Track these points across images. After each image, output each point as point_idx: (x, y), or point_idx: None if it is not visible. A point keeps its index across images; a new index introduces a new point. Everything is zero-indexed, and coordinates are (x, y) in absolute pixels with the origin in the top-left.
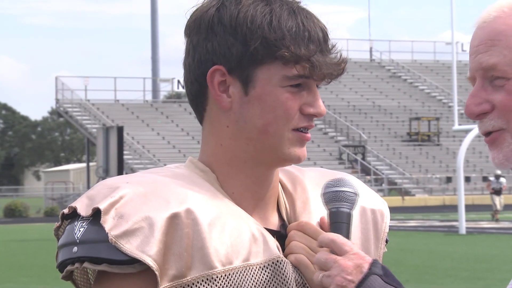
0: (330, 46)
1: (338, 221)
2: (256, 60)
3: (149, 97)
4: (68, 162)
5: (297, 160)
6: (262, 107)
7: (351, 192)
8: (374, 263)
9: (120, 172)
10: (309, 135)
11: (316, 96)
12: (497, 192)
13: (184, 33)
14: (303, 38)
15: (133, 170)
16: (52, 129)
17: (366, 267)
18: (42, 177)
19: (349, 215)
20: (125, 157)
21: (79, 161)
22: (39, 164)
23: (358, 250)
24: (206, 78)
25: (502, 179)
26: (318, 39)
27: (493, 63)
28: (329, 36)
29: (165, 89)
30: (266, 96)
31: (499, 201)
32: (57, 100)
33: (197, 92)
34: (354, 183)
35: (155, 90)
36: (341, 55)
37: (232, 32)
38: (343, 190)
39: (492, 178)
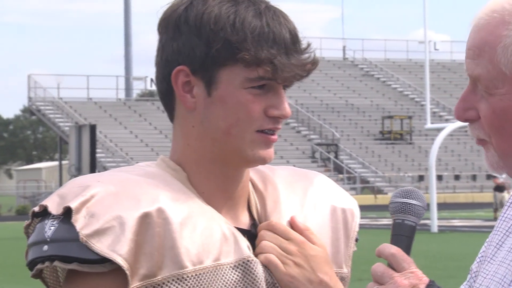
0: (299, 47)
1: (401, 234)
2: (218, 62)
3: (122, 95)
4: (40, 160)
5: (262, 162)
6: (224, 109)
7: (420, 207)
8: (430, 285)
9: (92, 170)
10: (275, 136)
11: (281, 98)
12: (499, 188)
13: (157, 31)
14: (266, 39)
15: (105, 169)
16: (24, 127)
17: None
18: (14, 176)
19: (413, 229)
20: (97, 155)
21: (52, 159)
22: (11, 163)
23: (416, 269)
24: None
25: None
26: (284, 40)
27: (478, 74)
28: (298, 37)
29: (138, 87)
30: (228, 97)
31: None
32: (30, 98)
33: (165, 91)
34: (420, 195)
35: (128, 88)
36: (313, 55)
37: (196, 32)
38: (411, 203)
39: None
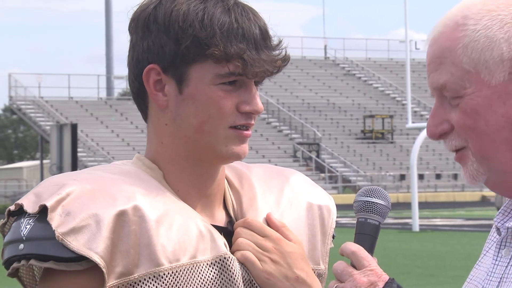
0: (270, 43)
1: (364, 233)
2: (188, 59)
3: (103, 94)
4: (21, 159)
5: (236, 158)
6: (196, 106)
7: (383, 205)
8: (389, 282)
9: (74, 169)
10: (249, 132)
11: (252, 94)
12: None
13: (128, 31)
14: (236, 35)
15: (87, 168)
16: (5, 126)
17: (380, 286)
18: None
19: (376, 228)
20: (79, 154)
21: (33, 158)
22: None
23: (376, 267)
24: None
25: None
26: (254, 36)
27: (443, 83)
28: (269, 33)
29: (119, 86)
30: (199, 94)
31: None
32: (10, 97)
33: (137, 91)
34: (384, 194)
35: (109, 88)
36: (285, 52)
37: (165, 30)
38: (374, 202)
39: None
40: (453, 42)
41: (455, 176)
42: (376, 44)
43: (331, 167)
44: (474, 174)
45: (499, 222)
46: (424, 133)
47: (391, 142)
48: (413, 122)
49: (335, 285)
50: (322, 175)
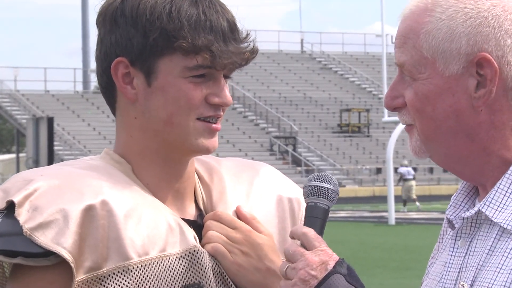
0: (238, 36)
1: (314, 216)
2: (156, 52)
3: (79, 87)
4: None
5: (206, 151)
6: (165, 98)
7: (332, 190)
8: (339, 262)
9: (50, 163)
10: (217, 125)
11: (221, 86)
12: None
13: (96, 25)
14: (204, 27)
15: (63, 161)
16: None
17: (331, 264)
18: None
19: (325, 212)
20: (55, 148)
21: (9, 152)
22: None
23: (326, 248)
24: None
25: None
26: (222, 28)
27: (403, 61)
28: (237, 25)
29: (95, 80)
30: (168, 87)
31: None
32: None
33: (106, 85)
34: (332, 180)
35: (85, 81)
36: (253, 44)
37: (132, 23)
38: (323, 186)
39: None
40: (419, 25)
41: (431, 170)
42: (353, 38)
43: (307, 160)
44: (416, 149)
45: (451, 215)
46: (400, 127)
47: (368, 136)
48: (389, 116)
49: (286, 266)
50: (299, 168)
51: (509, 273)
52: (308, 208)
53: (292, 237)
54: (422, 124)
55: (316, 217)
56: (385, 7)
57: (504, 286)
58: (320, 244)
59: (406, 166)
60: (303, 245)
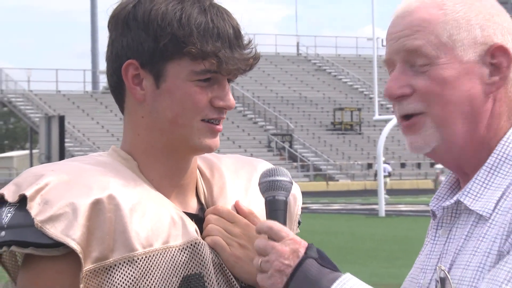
0: (242, 42)
1: (275, 209)
2: (166, 56)
3: (89, 88)
4: (11, 149)
5: (208, 150)
6: (172, 100)
7: (286, 181)
8: (309, 247)
9: (61, 159)
10: (220, 126)
11: (225, 90)
12: None
13: (107, 28)
14: (211, 34)
15: (73, 157)
16: None
17: (302, 251)
18: None
19: (285, 203)
20: (66, 144)
21: (22, 148)
22: None
23: (294, 236)
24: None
25: None
26: (228, 35)
27: (417, 45)
28: (241, 32)
29: (104, 80)
30: (176, 89)
31: None
32: (1, 91)
33: (116, 85)
34: (284, 172)
35: (94, 82)
36: (255, 51)
37: (144, 28)
38: (278, 180)
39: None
40: (433, 16)
41: (419, 165)
42: (345, 41)
43: (303, 156)
44: (428, 140)
45: (434, 206)
46: (390, 125)
47: (359, 133)
48: (379, 115)
49: (260, 260)
50: (295, 164)
51: (483, 255)
52: (268, 203)
53: (259, 232)
54: (439, 107)
55: (278, 210)
56: (376, 12)
57: (478, 267)
58: (288, 234)
59: (386, 163)
60: (271, 238)
